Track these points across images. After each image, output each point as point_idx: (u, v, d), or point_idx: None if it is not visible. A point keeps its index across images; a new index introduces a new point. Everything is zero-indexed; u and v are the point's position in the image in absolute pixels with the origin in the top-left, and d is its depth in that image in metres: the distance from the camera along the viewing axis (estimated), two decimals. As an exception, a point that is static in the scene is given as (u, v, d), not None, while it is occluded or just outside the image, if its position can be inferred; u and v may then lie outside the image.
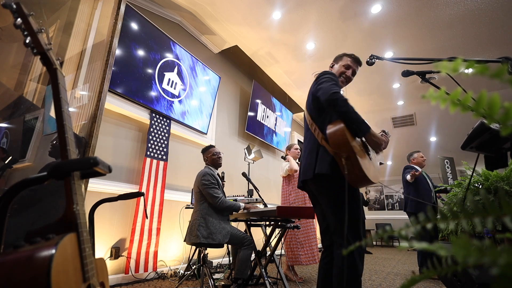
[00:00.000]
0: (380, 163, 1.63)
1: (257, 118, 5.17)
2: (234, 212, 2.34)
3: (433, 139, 7.90)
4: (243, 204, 2.29)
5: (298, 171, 3.13)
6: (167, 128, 3.37)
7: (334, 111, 1.35)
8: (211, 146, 2.52)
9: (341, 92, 1.40)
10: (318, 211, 1.58)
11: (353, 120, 1.30)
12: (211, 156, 2.45)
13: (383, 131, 1.73)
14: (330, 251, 1.47)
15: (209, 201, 2.21)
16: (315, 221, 3.29)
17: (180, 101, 3.59)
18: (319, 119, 1.48)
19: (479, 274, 1.51)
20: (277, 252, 4.45)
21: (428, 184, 3.40)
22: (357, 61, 1.64)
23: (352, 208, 1.33)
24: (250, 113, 4.95)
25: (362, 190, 9.60)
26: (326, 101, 1.34)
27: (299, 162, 3.37)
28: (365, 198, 6.69)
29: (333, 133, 1.31)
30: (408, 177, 3.36)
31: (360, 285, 1.29)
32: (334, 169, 1.33)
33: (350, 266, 1.27)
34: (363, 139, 1.41)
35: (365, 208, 6.62)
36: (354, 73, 1.64)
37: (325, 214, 1.48)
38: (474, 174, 2.79)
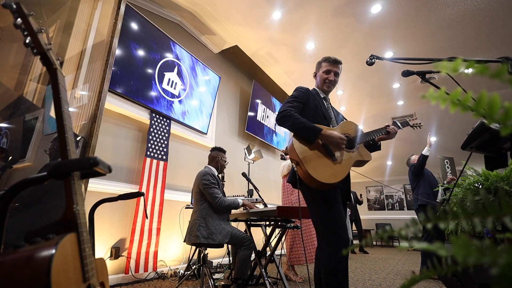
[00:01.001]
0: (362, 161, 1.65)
1: (257, 118, 5.17)
2: (234, 210, 2.35)
3: (433, 139, 7.90)
4: (242, 201, 2.30)
5: None
6: (167, 128, 3.37)
7: (283, 127, 1.51)
8: (224, 151, 2.56)
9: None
10: None
11: (299, 130, 1.44)
12: (221, 160, 2.49)
13: (394, 122, 1.73)
14: None
15: (209, 200, 2.22)
16: None
17: (180, 101, 3.59)
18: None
19: (479, 274, 1.51)
20: (277, 252, 4.45)
21: (435, 180, 3.51)
22: (335, 62, 1.67)
23: (317, 209, 1.43)
24: (250, 113, 4.95)
25: (359, 189, 9.60)
26: (276, 121, 1.55)
27: None
28: (359, 198, 6.66)
29: (288, 146, 1.51)
30: (426, 149, 3.44)
31: (342, 281, 1.31)
32: (295, 177, 1.48)
33: (325, 263, 1.33)
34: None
35: (364, 208, 6.60)
36: (337, 74, 1.67)
37: None
38: (473, 174, 2.79)
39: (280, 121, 1.50)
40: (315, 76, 1.75)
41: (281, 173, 3.21)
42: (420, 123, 1.87)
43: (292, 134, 1.49)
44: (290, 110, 1.49)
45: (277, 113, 1.55)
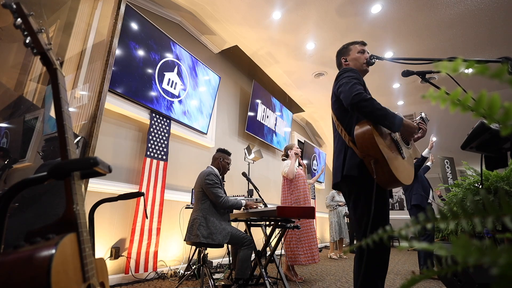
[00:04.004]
0: (415, 158, 1.51)
1: (257, 118, 5.17)
2: (236, 210, 2.36)
3: (433, 139, 7.90)
4: (245, 202, 2.32)
5: (299, 174, 3.13)
6: (167, 128, 3.37)
7: (359, 113, 1.28)
8: (229, 153, 2.58)
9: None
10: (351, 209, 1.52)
11: (381, 118, 1.22)
12: (225, 162, 2.52)
13: (421, 118, 1.59)
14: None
15: (213, 200, 2.23)
16: (315, 221, 3.32)
17: (180, 101, 3.59)
18: (345, 120, 1.43)
19: (479, 274, 1.51)
20: (277, 252, 4.45)
21: (427, 182, 3.59)
22: (364, 44, 1.60)
23: (379, 210, 1.27)
24: (250, 113, 4.95)
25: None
26: (350, 106, 1.29)
27: (301, 167, 3.36)
28: None
29: (360, 137, 1.25)
30: (427, 151, 3.52)
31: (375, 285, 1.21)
32: (363, 171, 1.27)
33: (367, 265, 1.21)
34: (395, 137, 1.33)
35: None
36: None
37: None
38: (473, 174, 2.79)
39: (357, 105, 1.24)
40: (346, 62, 1.58)
41: (282, 172, 3.21)
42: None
43: (370, 124, 1.24)
44: (365, 93, 1.26)
45: (348, 94, 1.27)
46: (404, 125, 1.26)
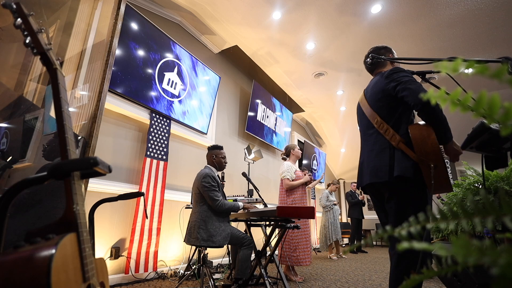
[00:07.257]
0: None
1: (257, 118, 5.17)
2: (233, 212, 2.35)
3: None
4: (242, 204, 2.30)
5: (296, 175, 3.12)
6: (167, 128, 3.37)
7: (427, 116, 1.25)
8: (220, 147, 2.49)
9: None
10: (382, 214, 1.47)
11: (444, 128, 1.22)
12: (219, 158, 2.43)
13: None
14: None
15: (209, 203, 2.21)
16: (310, 221, 3.31)
17: (180, 101, 3.59)
18: (391, 119, 1.37)
19: (479, 274, 1.51)
20: (277, 252, 4.45)
21: None
22: None
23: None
24: (250, 113, 4.95)
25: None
26: (422, 108, 1.24)
27: (305, 170, 3.34)
28: (361, 198, 6.41)
29: (421, 141, 1.22)
30: None
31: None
32: (417, 173, 1.24)
33: (407, 267, 1.21)
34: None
35: (364, 208, 6.51)
36: None
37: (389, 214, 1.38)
38: (473, 174, 2.80)
39: (430, 108, 1.21)
40: (394, 57, 1.54)
41: (280, 175, 3.20)
42: None
43: (431, 129, 1.23)
44: None
45: (416, 93, 1.25)
46: (452, 142, 1.26)
